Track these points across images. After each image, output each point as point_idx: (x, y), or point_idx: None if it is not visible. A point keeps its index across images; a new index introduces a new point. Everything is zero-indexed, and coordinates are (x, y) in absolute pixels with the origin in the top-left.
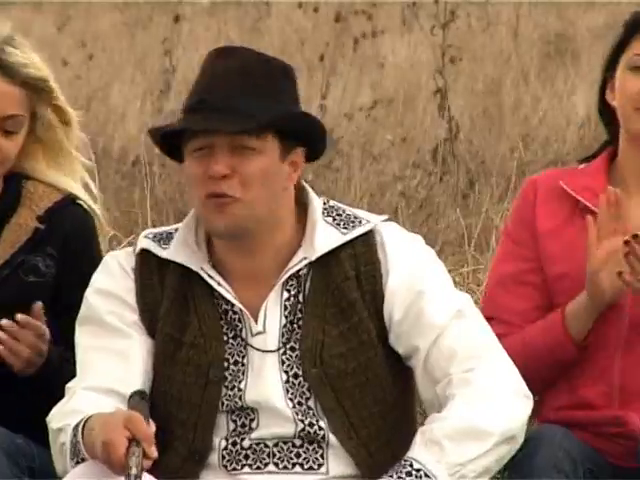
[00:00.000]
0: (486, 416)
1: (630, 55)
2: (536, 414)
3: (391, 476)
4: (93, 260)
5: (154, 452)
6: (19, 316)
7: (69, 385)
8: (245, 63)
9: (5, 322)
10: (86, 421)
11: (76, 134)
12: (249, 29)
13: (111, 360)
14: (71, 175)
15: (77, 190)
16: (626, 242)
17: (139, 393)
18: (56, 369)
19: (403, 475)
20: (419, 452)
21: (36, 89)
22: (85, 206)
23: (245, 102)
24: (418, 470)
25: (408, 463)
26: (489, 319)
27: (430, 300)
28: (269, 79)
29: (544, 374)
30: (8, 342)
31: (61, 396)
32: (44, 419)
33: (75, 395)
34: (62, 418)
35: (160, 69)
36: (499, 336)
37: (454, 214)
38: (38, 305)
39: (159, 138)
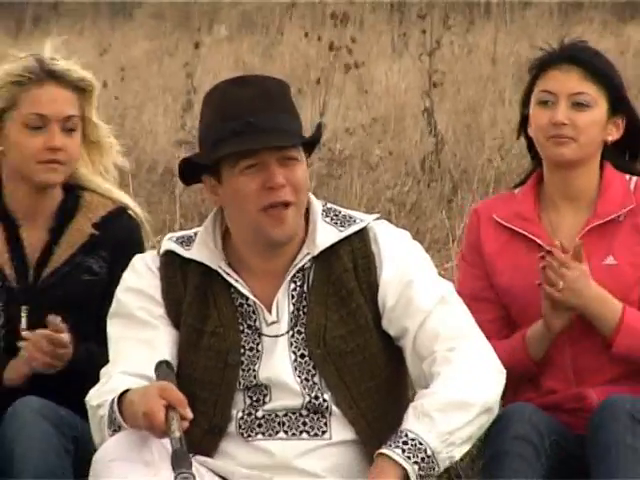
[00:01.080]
0: (468, 390)
1: (537, 92)
2: (506, 402)
3: (390, 445)
4: None
5: (189, 413)
6: (43, 331)
7: (104, 370)
8: (267, 88)
9: (26, 334)
10: (121, 395)
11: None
12: (262, 55)
13: (141, 348)
14: (113, 180)
15: (127, 200)
16: (542, 257)
17: (165, 362)
18: (85, 363)
19: (400, 444)
20: (413, 424)
21: (81, 89)
22: (134, 215)
23: (282, 121)
24: (413, 439)
25: (404, 434)
26: None
27: (418, 289)
28: (285, 98)
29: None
30: (30, 352)
31: (96, 377)
32: (84, 395)
33: (111, 378)
34: (100, 396)
35: (183, 90)
36: None
37: (440, 216)
38: (55, 319)
39: (211, 163)
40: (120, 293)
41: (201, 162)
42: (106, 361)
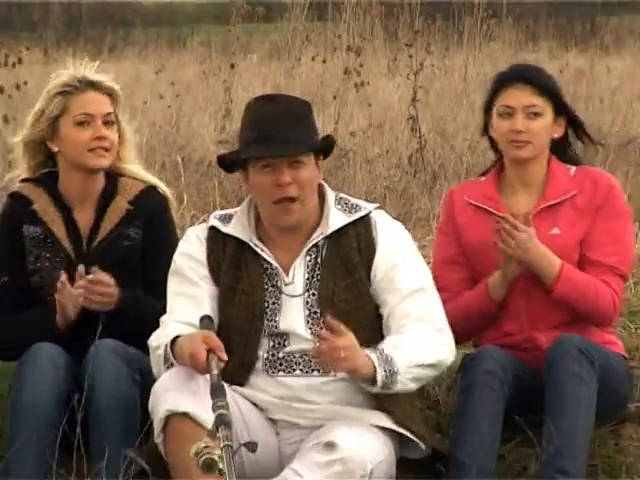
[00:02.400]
0: (432, 345)
1: (498, 106)
2: (476, 343)
3: (370, 351)
4: (167, 228)
5: (225, 356)
6: (90, 276)
7: (162, 318)
8: (288, 106)
9: (80, 283)
10: (174, 340)
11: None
12: (285, 75)
13: (189, 302)
14: (140, 165)
15: (154, 180)
16: (497, 222)
17: (207, 317)
18: (131, 305)
19: (377, 354)
20: (390, 347)
21: (111, 95)
22: (161, 191)
23: (294, 133)
24: (387, 355)
25: (379, 350)
26: (437, 289)
27: (401, 272)
28: (304, 115)
29: (474, 324)
30: (85, 295)
31: (146, 319)
32: (145, 335)
33: (168, 326)
34: (158, 339)
35: (223, 102)
36: (445, 300)
37: (423, 200)
38: (94, 269)
39: (230, 160)
40: (176, 256)
41: (232, 159)
42: (152, 306)
